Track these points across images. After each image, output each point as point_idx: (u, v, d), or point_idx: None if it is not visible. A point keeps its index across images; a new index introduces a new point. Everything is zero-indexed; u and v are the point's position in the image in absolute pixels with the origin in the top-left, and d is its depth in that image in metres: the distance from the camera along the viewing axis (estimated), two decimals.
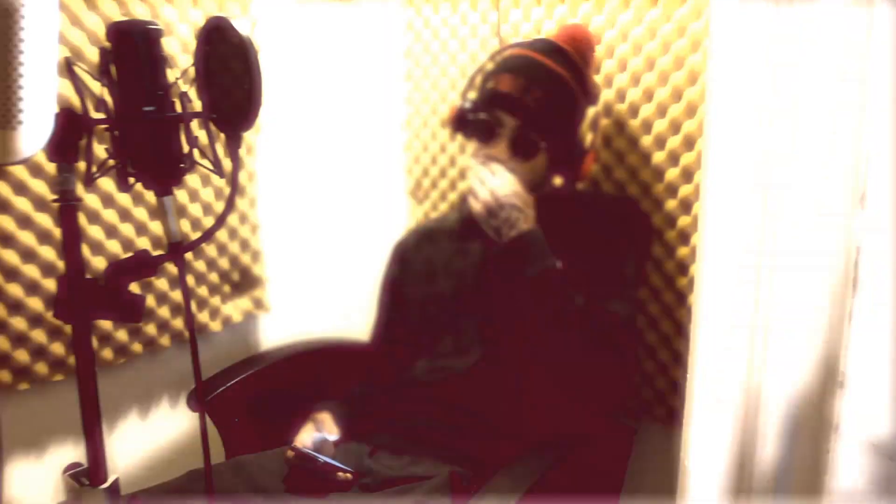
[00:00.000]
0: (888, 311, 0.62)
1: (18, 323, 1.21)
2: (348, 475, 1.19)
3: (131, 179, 0.81)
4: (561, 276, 1.19)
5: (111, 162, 0.82)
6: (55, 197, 0.77)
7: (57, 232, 1.23)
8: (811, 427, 0.71)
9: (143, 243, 1.39)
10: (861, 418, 0.63)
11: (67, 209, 0.77)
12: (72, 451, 1.34)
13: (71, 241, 0.78)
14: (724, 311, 0.79)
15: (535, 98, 1.26)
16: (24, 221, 1.20)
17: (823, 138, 0.72)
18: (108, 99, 0.79)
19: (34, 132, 0.65)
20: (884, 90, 0.64)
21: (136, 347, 1.40)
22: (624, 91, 1.46)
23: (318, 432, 1.29)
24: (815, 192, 0.70)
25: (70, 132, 0.74)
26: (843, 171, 0.69)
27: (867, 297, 0.62)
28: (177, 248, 0.83)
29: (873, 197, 0.62)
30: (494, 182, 1.23)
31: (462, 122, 1.34)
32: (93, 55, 1.24)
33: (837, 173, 0.70)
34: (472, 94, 1.38)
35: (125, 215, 1.35)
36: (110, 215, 1.32)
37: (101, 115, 0.78)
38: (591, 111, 1.39)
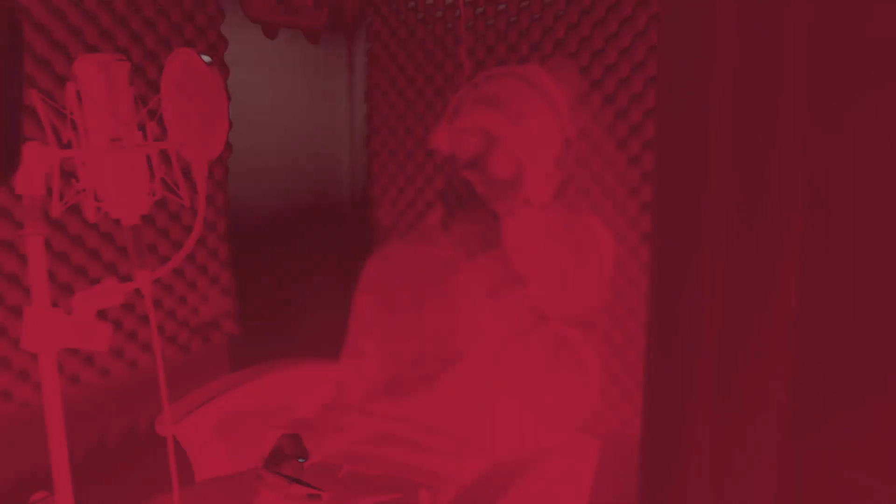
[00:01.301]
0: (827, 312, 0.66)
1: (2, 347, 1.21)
2: (317, 495, 1.20)
3: (99, 209, 0.83)
4: (525, 291, 1.23)
5: (78, 191, 0.83)
6: (23, 230, 0.78)
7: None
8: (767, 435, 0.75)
9: (107, 268, 1.38)
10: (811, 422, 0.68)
11: (34, 241, 0.78)
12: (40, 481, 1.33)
13: (37, 271, 0.79)
14: (674, 312, 0.83)
15: (520, 119, 1.30)
16: (7, 246, 1.20)
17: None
18: (76, 131, 0.80)
19: (1, 166, 0.66)
20: None
21: (104, 370, 1.39)
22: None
23: (287, 453, 1.30)
24: (758, 199, 0.75)
25: (38, 165, 0.75)
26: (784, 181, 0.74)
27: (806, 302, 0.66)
28: (143, 277, 0.85)
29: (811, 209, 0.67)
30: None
31: (446, 137, 1.38)
32: (58, 83, 1.25)
33: (778, 181, 0.75)
34: (453, 118, 1.41)
35: (89, 241, 1.35)
36: (75, 241, 1.32)
37: (68, 147, 0.80)
38: (568, 136, 1.43)
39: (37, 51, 1.22)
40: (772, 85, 0.77)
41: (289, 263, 1.85)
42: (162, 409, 1.31)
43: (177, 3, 1.46)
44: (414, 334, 1.40)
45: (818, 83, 0.74)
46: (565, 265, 1.35)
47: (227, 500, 1.20)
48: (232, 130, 0.83)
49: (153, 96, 0.87)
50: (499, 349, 1.24)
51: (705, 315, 0.84)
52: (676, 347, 0.88)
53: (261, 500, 1.21)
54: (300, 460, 1.28)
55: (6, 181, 0.68)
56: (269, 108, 1.75)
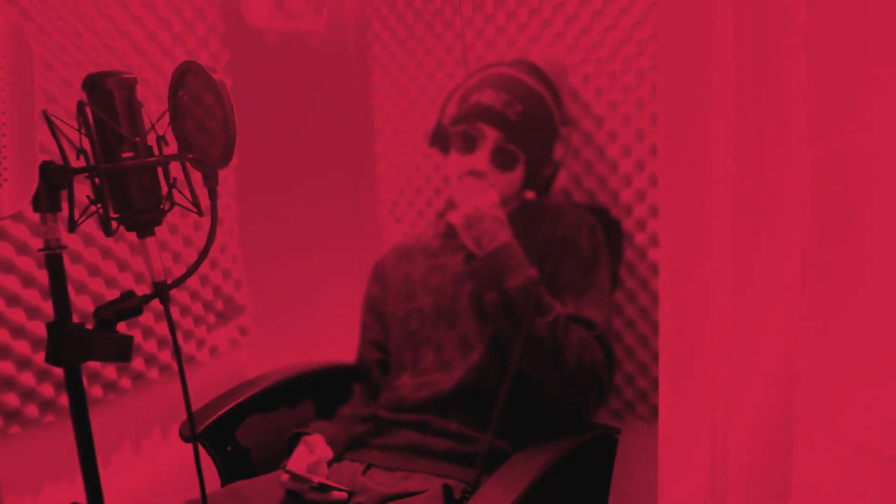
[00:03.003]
0: (833, 309, 0.66)
1: (6, 367, 1.22)
2: (343, 494, 1.21)
3: (114, 224, 0.84)
4: (540, 285, 1.23)
5: (93, 207, 0.84)
6: (41, 246, 0.79)
7: (39, 275, 1.25)
8: (775, 419, 0.75)
9: (126, 279, 1.40)
10: (817, 409, 0.68)
11: (53, 257, 0.79)
12: (66, 490, 1.35)
13: (57, 287, 0.80)
14: (687, 313, 0.83)
15: (516, 112, 1.31)
16: (7, 266, 1.22)
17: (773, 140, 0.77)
18: (87, 147, 0.82)
19: (19, 188, 0.68)
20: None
21: (125, 382, 1.41)
22: (588, 103, 1.51)
23: (310, 454, 1.31)
24: (764, 196, 0.75)
25: (53, 183, 0.76)
26: (788, 177, 0.74)
27: (814, 296, 0.66)
28: (161, 287, 0.86)
29: (815, 203, 0.67)
30: (476, 194, 1.28)
31: (443, 134, 1.39)
32: (67, 100, 1.26)
33: (783, 178, 0.75)
34: (452, 109, 1.42)
35: (106, 253, 1.37)
36: (91, 254, 1.34)
37: (81, 164, 0.81)
38: (563, 129, 1.44)
39: (55, 68, 1.24)
40: (773, 75, 0.77)
41: (300, 266, 1.86)
42: (184, 416, 1.33)
43: (177, 13, 1.47)
44: (430, 330, 1.41)
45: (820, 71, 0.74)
46: (573, 255, 1.36)
47: (253, 502, 1.21)
48: (239, 138, 0.84)
49: (160, 109, 0.88)
50: (516, 342, 1.24)
51: (716, 314, 0.84)
52: (688, 347, 0.88)
53: (287, 501, 1.23)
54: (324, 460, 1.30)
55: (26, 201, 0.70)
56: (273, 115, 1.77)
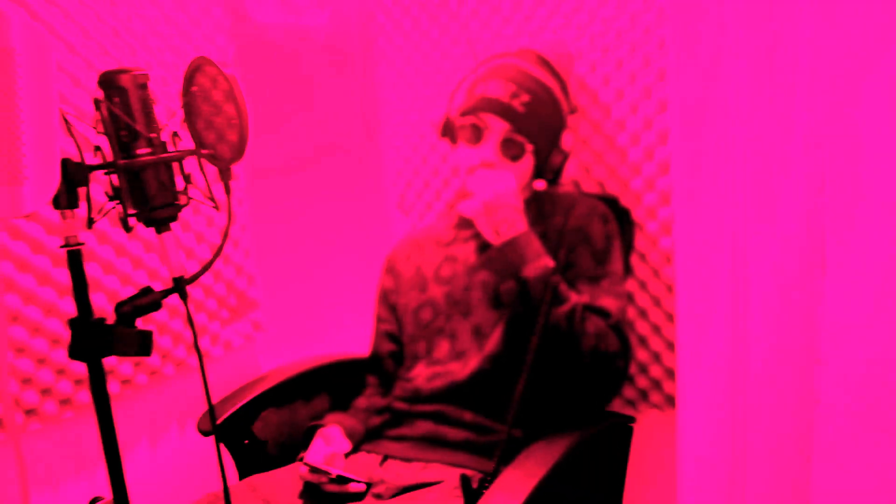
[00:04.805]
0: (853, 291, 0.66)
1: (24, 364, 1.23)
2: (361, 486, 1.22)
3: (131, 220, 0.84)
4: (556, 274, 1.24)
5: (111, 204, 0.85)
6: (56, 244, 0.80)
7: (55, 273, 1.26)
8: (795, 402, 0.76)
9: (140, 276, 1.41)
10: (839, 392, 0.68)
11: (74, 254, 0.80)
12: (86, 486, 1.37)
13: (79, 283, 0.81)
14: (702, 298, 0.83)
15: (523, 103, 1.31)
16: (23, 265, 1.22)
17: (786, 127, 0.77)
18: (104, 145, 0.82)
19: (39, 185, 0.68)
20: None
21: (141, 378, 1.42)
22: (595, 92, 1.51)
23: (327, 446, 1.32)
24: (782, 179, 0.75)
25: (72, 181, 0.77)
26: (805, 159, 0.74)
27: (833, 278, 0.66)
28: (180, 282, 0.87)
29: (832, 184, 0.67)
30: (496, 182, 1.28)
31: (452, 126, 1.39)
32: (79, 99, 1.27)
33: (801, 161, 0.75)
34: (459, 101, 1.42)
35: (120, 251, 1.37)
36: (106, 252, 1.34)
37: (98, 161, 0.82)
38: (570, 118, 1.43)
39: (64, 67, 1.25)
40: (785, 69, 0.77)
41: (312, 260, 1.87)
42: (200, 412, 1.34)
43: (183, 10, 1.48)
44: (443, 321, 1.41)
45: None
46: (585, 245, 1.36)
47: (272, 495, 1.22)
48: (250, 133, 0.85)
49: (169, 105, 0.88)
50: (533, 331, 1.25)
51: (732, 300, 0.84)
52: (704, 334, 0.88)
53: (305, 494, 1.24)
54: (341, 452, 1.31)
55: (48, 198, 0.70)
56: (279, 110, 1.77)
